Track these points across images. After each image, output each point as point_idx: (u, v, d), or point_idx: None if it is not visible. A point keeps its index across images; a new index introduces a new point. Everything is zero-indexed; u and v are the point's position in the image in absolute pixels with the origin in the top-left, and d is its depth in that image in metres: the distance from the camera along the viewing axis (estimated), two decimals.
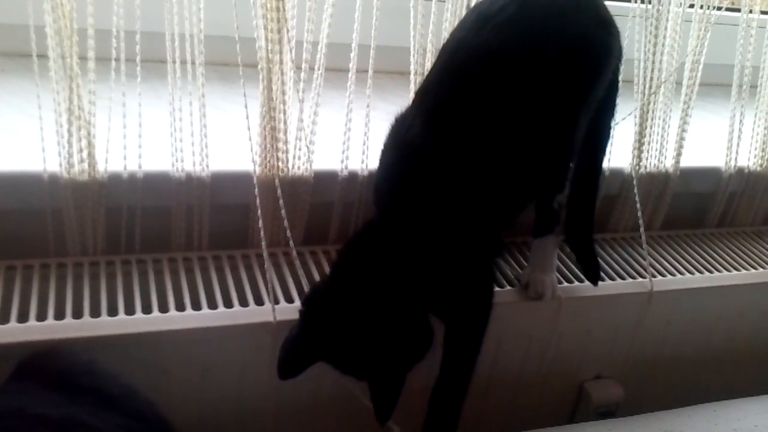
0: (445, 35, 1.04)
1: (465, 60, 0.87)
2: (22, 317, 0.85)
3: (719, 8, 1.18)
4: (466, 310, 0.91)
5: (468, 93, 0.85)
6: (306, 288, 0.97)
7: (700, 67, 1.20)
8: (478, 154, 0.85)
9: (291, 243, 0.98)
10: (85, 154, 0.91)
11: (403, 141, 0.87)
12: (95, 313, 0.88)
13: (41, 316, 0.86)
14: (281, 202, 0.96)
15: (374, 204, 0.92)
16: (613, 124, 1.05)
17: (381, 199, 0.91)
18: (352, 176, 1.06)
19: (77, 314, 0.87)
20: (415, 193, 0.85)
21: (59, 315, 0.86)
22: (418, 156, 0.85)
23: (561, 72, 0.87)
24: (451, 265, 0.89)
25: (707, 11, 1.17)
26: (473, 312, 0.92)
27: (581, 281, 1.10)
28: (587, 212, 1.05)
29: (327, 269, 1.03)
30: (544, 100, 0.87)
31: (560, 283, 1.08)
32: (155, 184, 0.96)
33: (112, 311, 0.89)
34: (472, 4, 1.05)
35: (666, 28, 1.16)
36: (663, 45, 1.17)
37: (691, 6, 1.17)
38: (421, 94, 0.92)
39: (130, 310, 0.89)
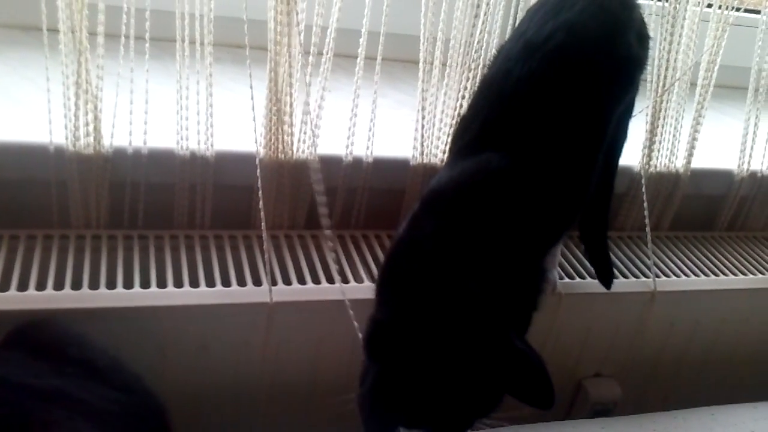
0: (456, 24, 1.04)
1: (518, 88, 0.88)
2: (22, 286, 0.86)
3: (738, 9, 1.16)
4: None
5: (527, 118, 0.87)
6: (305, 271, 0.97)
7: (716, 67, 1.19)
8: (546, 172, 0.86)
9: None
10: (91, 127, 0.92)
11: (477, 161, 0.87)
12: (94, 285, 0.88)
13: (41, 286, 0.87)
14: (284, 185, 0.96)
15: (434, 212, 0.86)
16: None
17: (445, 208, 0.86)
18: (357, 162, 1.06)
19: (76, 286, 0.88)
20: (491, 206, 0.84)
21: (58, 285, 0.87)
22: (494, 174, 0.85)
23: (606, 91, 0.91)
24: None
25: (725, 11, 1.15)
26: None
27: (583, 277, 1.09)
28: (602, 213, 1.05)
29: (326, 253, 1.03)
30: (591, 116, 0.90)
31: (561, 278, 1.08)
32: (159, 160, 0.97)
33: (111, 284, 0.89)
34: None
35: (683, 27, 1.15)
36: (678, 44, 1.15)
37: (709, 6, 1.16)
38: (471, 121, 0.92)
39: (128, 284, 0.90)
